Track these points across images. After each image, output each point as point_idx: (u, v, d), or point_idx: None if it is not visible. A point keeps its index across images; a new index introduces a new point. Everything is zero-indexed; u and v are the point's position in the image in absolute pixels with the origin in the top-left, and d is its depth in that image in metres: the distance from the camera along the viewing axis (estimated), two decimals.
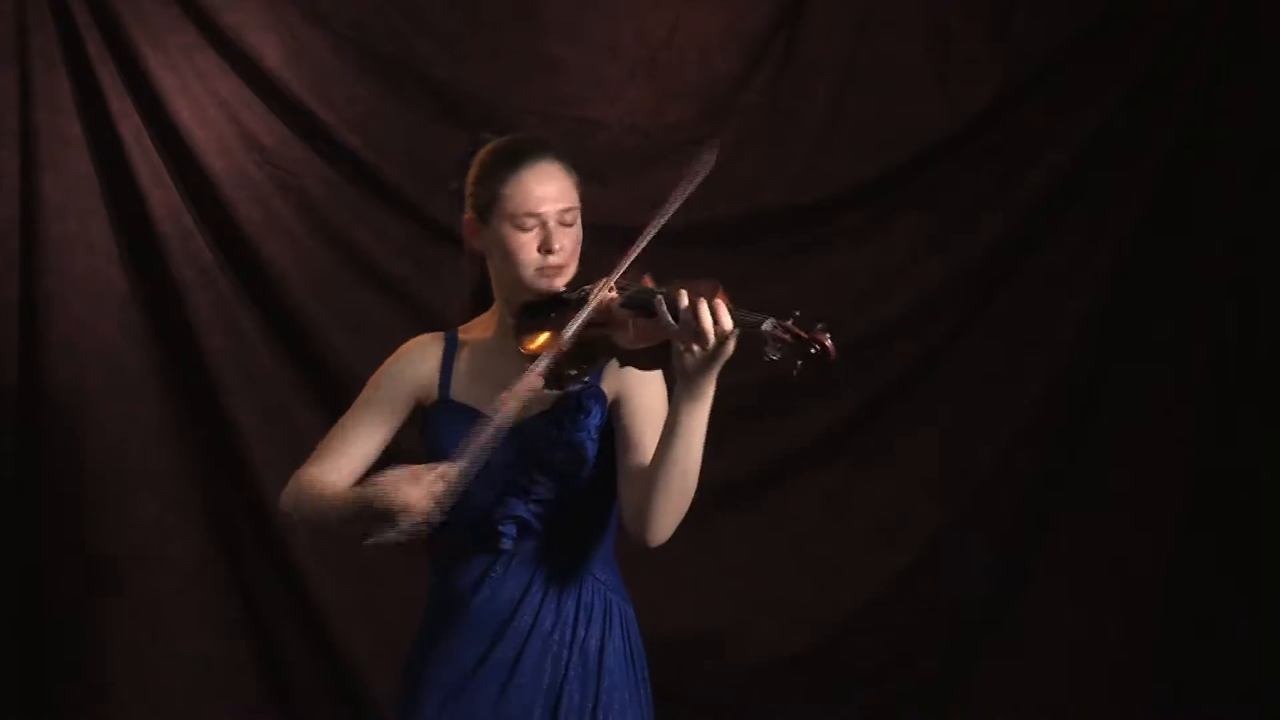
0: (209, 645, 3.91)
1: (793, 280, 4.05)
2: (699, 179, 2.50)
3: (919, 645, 4.07)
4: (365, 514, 2.43)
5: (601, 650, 2.53)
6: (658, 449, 2.38)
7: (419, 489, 2.36)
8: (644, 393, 2.51)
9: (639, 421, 2.50)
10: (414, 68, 3.96)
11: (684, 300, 2.27)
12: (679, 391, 2.32)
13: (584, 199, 2.59)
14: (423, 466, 2.40)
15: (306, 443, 3.86)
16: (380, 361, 2.68)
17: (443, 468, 2.37)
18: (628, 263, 2.45)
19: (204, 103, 3.86)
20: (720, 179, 3.97)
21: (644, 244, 2.44)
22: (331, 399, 3.69)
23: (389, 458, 2.57)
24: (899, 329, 4.05)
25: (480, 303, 2.66)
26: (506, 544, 2.50)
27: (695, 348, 2.26)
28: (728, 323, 2.24)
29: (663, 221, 2.46)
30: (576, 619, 2.52)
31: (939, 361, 4.07)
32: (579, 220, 2.56)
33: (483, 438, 2.36)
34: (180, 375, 3.91)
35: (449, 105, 3.95)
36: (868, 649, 4.06)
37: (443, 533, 2.48)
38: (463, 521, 2.48)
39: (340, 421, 2.66)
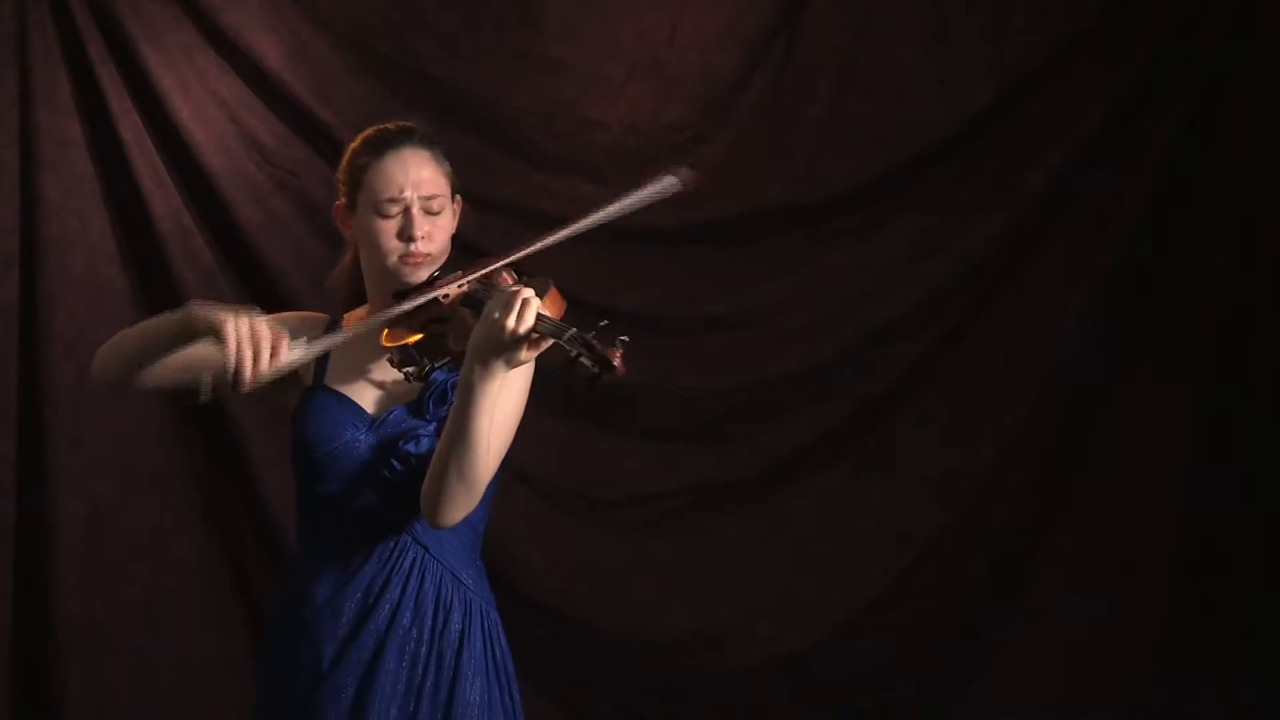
0: (209, 645, 3.91)
1: (793, 280, 4.05)
2: (648, 199, 2.43)
3: (919, 645, 4.07)
4: (185, 330, 2.32)
5: (459, 652, 2.47)
6: (443, 436, 2.33)
7: (249, 324, 2.25)
8: None
9: None
10: (414, 68, 3.96)
11: (502, 295, 2.24)
12: (465, 381, 2.27)
13: (457, 187, 2.55)
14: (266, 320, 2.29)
15: None
16: None
17: (278, 334, 2.27)
18: (499, 264, 2.39)
19: (204, 103, 3.86)
20: (720, 179, 4.02)
21: (536, 248, 2.39)
22: None
23: None
24: (899, 329, 4.05)
25: (356, 293, 2.60)
26: (364, 534, 2.45)
27: (496, 330, 2.22)
28: (527, 323, 2.21)
29: (577, 229, 2.40)
30: (435, 617, 2.46)
31: (939, 361, 4.07)
32: (449, 209, 2.52)
33: (323, 343, 2.32)
34: None
35: (449, 105, 3.95)
36: (868, 649, 4.06)
37: (309, 520, 2.46)
38: (327, 508, 2.45)
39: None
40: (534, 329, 2.22)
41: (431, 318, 2.39)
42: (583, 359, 2.17)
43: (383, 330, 2.42)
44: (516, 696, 2.53)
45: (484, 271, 2.39)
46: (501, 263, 2.40)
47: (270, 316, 2.45)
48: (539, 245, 2.38)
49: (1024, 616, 4.07)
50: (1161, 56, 3.99)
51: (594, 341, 2.17)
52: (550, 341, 2.22)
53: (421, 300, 2.37)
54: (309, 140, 3.93)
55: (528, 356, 2.24)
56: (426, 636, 2.46)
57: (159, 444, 3.89)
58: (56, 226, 3.81)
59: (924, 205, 4.07)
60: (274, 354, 2.24)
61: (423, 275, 2.48)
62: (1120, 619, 4.05)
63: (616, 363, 2.15)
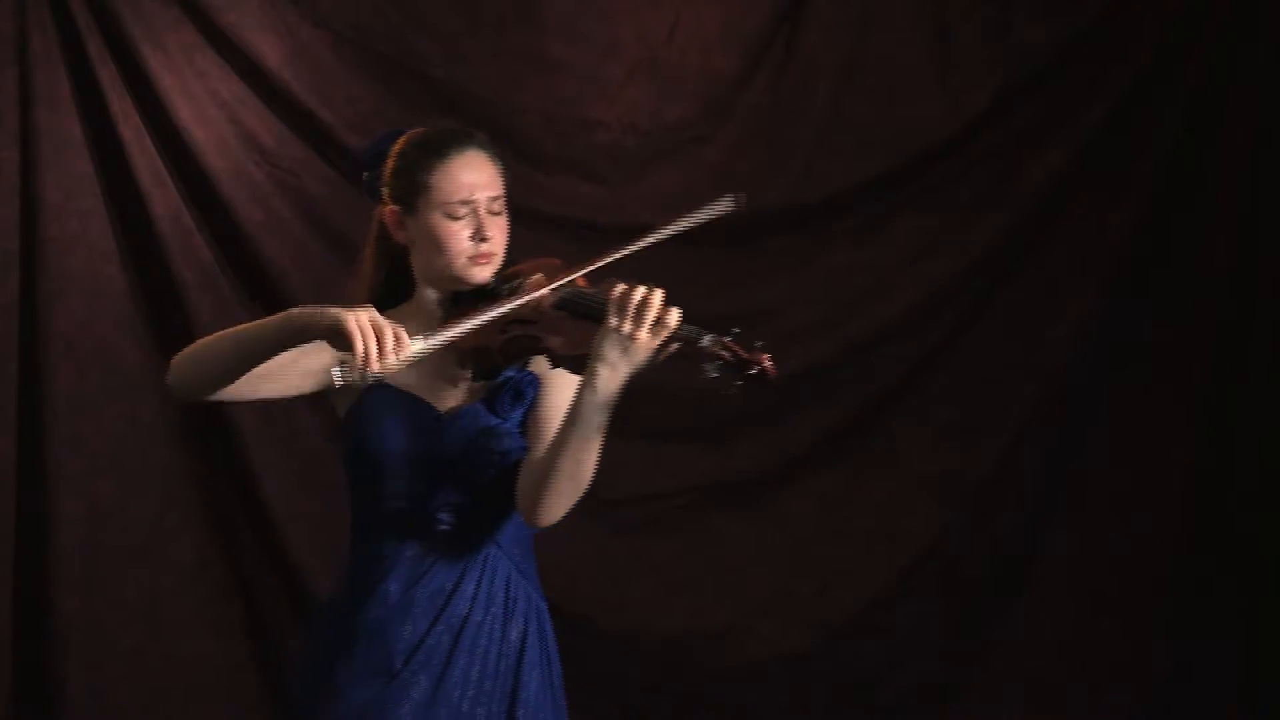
0: (208, 645, 3.91)
1: (793, 280, 4.06)
2: (703, 219, 2.46)
3: (919, 645, 4.07)
4: (290, 333, 2.31)
5: (522, 648, 2.50)
6: (555, 436, 2.35)
7: (369, 316, 2.25)
8: (562, 384, 2.46)
9: (554, 413, 2.45)
10: (414, 68, 3.96)
11: (637, 295, 2.25)
12: (588, 385, 2.28)
13: (509, 188, 2.57)
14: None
15: (307, 443, 3.92)
16: None
17: (398, 327, 2.26)
18: (581, 272, 2.42)
19: (204, 103, 3.86)
20: (720, 179, 4.02)
21: (611, 260, 2.41)
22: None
23: None
24: (899, 329, 4.05)
25: (387, 295, 2.58)
26: (441, 532, 2.46)
27: (628, 341, 2.23)
28: (673, 321, 2.23)
29: (643, 245, 2.42)
30: (505, 613, 2.49)
31: (939, 361, 4.07)
32: (506, 210, 2.54)
33: (438, 338, 2.31)
34: None
35: (449, 105, 3.95)
36: (868, 649, 4.06)
37: (376, 518, 2.46)
38: (397, 508, 2.47)
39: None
40: (671, 336, 2.23)
41: (516, 319, 2.40)
42: (725, 364, 2.19)
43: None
44: (560, 688, 2.56)
45: (578, 275, 2.41)
46: (592, 267, 2.42)
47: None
48: (615, 256, 2.41)
49: (1024, 616, 4.08)
50: (1161, 56, 3.99)
51: (736, 346, 2.20)
52: (676, 346, 2.24)
53: (519, 303, 2.37)
54: (309, 140, 3.93)
55: (656, 360, 2.26)
56: (497, 631, 2.48)
57: (159, 444, 3.89)
58: (56, 226, 3.81)
59: (924, 205, 4.07)
60: (398, 345, 2.24)
61: (487, 275, 2.49)
62: (1120, 619, 4.05)
63: (767, 365, 2.19)
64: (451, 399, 2.49)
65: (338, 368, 2.23)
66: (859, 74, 4.05)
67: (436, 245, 2.48)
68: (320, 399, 2.55)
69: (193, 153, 3.85)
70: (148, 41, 3.81)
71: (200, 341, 2.45)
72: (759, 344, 2.22)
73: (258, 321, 2.36)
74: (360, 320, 2.23)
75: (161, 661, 3.87)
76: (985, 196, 4.06)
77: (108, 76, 3.80)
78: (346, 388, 2.42)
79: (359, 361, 2.21)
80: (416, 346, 2.27)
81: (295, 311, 2.31)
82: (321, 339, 2.30)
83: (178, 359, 2.46)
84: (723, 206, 2.47)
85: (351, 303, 2.51)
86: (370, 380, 2.26)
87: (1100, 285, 4.04)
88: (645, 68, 4.02)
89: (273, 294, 3.90)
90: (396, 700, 2.44)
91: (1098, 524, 4.06)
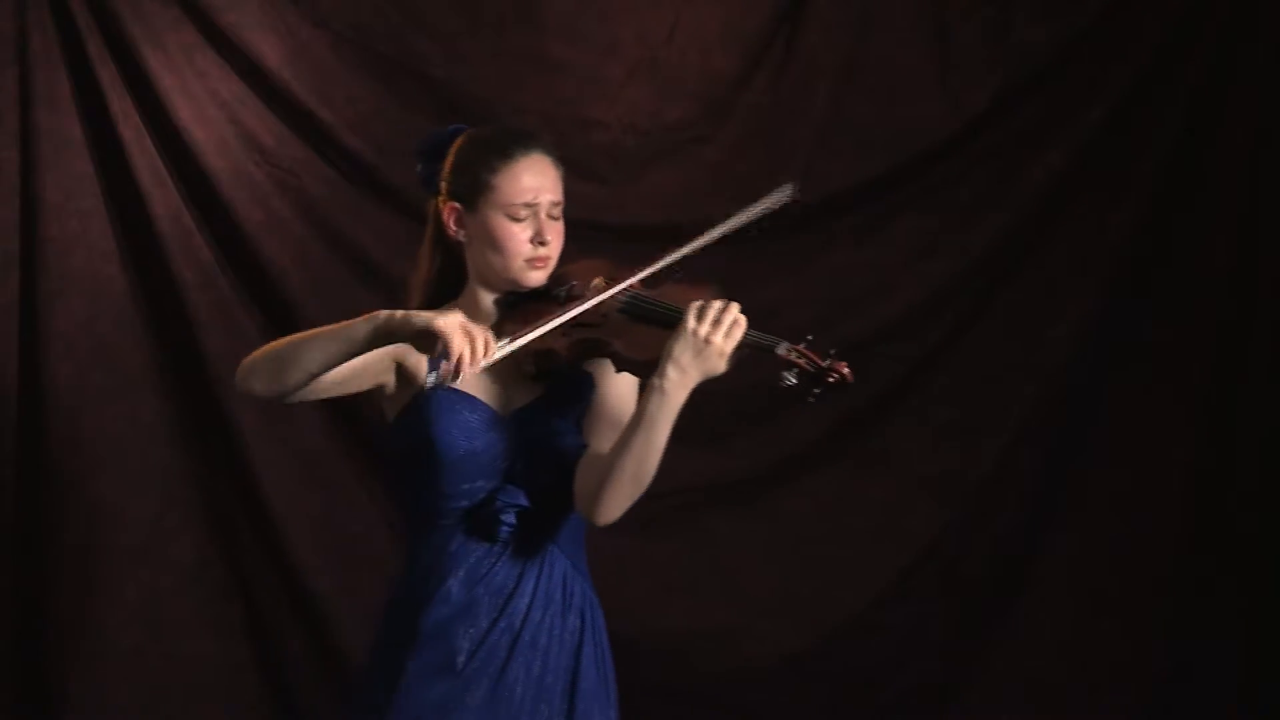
0: (208, 645, 3.91)
1: (793, 280, 4.05)
2: (762, 211, 2.49)
3: (919, 645, 4.07)
4: (379, 336, 2.32)
5: (580, 642, 2.53)
6: (620, 437, 2.38)
7: (460, 320, 2.27)
8: (619, 383, 2.51)
9: (612, 411, 2.49)
10: (414, 68, 3.96)
11: (715, 302, 2.29)
12: (655, 388, 2.32)
13: (566, 192, 2.58)
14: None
15: (306, 443, 3.92)
16: None
17: (485, 329, 2.29)
18: (644, 274, 2.45)
19: (204, 103, 3.86)
20: (720, 179, 4.02)
21: (670, 260, 2.45)
22: (331, 399, 3.68)
23: None
24: (899, 329, 4.05)
25: (437, 291, 2.61)
26: (504, 533, 2.49)
27: (702, 347, 2.29)
28: (736, 338, 2.29)
29: (700, 244, 2.47)
30: (563, 609, 2.52)
31: (939, 361, 4.07)
32: (561, 214, 2.55)
33: (520, 340, 2.33)
34: (180, 375, 3.91)
35: (449, 105, 3.95)
36: (868, 649, 4.06)
37: (437, 521, 2.47)
38: (459, 507, 2.47)
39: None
40: (743, 343, 2.28)
41: (581, 322, 2.42)
42: (803, 372, 2.25)
43: (506, 329, 2.44)
44: (613, 681, 2.59)
45: (640, 278, 2.44)
46: (651, 270, 2.45)
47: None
48: (678, 255, 2.45)
49: (1024, 616, 4.07)
50: (1161, 56, 3.99)
51: (811, 354, 2.26)
52: (748, 352, 2.28)
53: (588, 305, 2.40)
54: (309, 140, 3.93)
55: (727, 366, 2.30)
56: (556, 627, 2.50)
57: (159, 444, 3.89)
58: (56, 226, 3.81)
59: (924, 205, 4.07)
60: (487, 347, 2.27)
61: (542, 279, 2.50)
62: (1120, 619, 4.05)
63: (845, 373, 2.26)
64: (511, 399, 2.50)
65: (432, 374, 2.26)
66: (859, 74, 4.05)
67: (495, 245, 2.49)
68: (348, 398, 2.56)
69: (193, 153, 3.85)
70: (148, 41, 3.81)
71: (275, 344, 2.43)
72: (832, 351, 2.27)
73: (341, 325, 2.36)
74: (451, 324, 2.25)
75: (161, 661, 3.87)
76: (985, 196, 4.06)
77: (108, 76, 3.80)
78: (404, 388, 2.45)
79: (453, 365, 2.23)
80: (502, 348, 2.30)
81: (382, 315, 2.32)
82: (409, 342, 2.33)
83: (251, 361, 2.43)
84: (781, 196, 2.52)
85: (408, 293, 2.56)
86: (453, 385, 2.28)
87: (1100, 285, 4.04)
88: (645, 68, 4.02)
89: (273, 294, 3.90)
90: (459, 698, 2.45)
91: (1098, 524, 4.06)
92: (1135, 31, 4.00)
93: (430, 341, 2.27)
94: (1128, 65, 4.00)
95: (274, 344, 2.43)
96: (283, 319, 3.91)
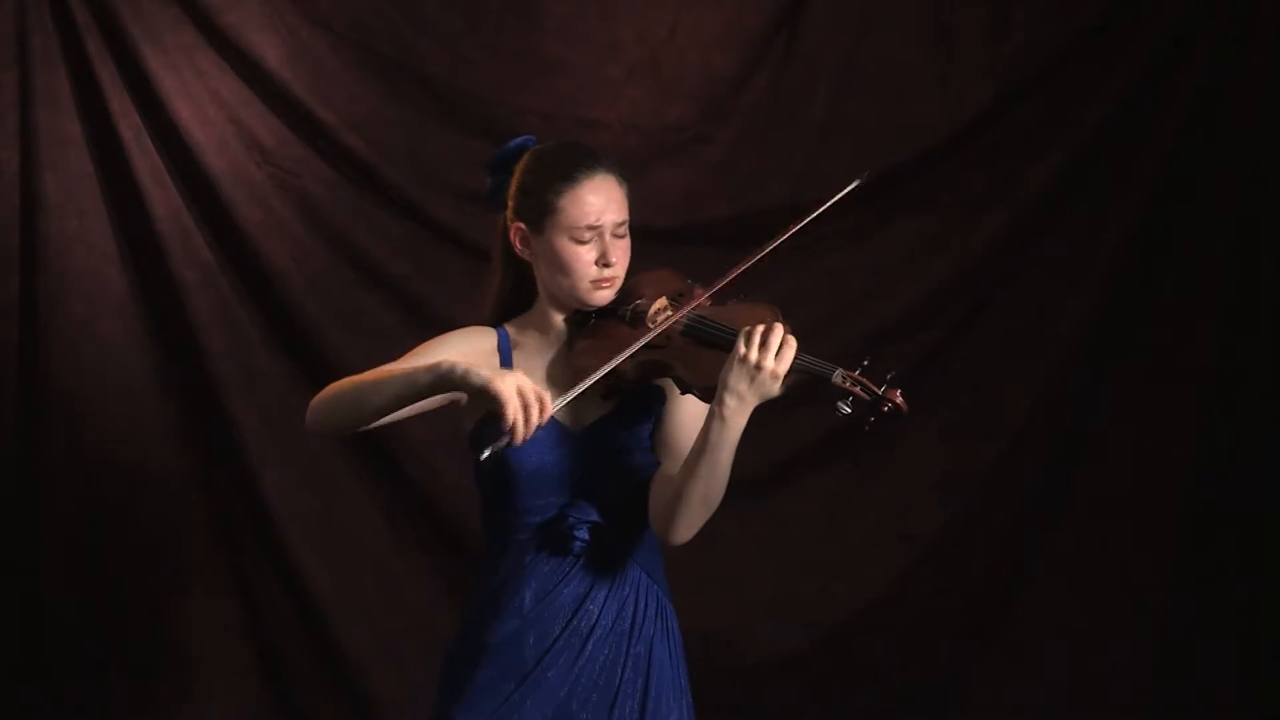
0: (208, 646, 3.91)
1: (793, 280, 4.05)
2: (834, 202, 2.55)
3: (919, 645, 4.07)
4: (443, 387, 2.35)
5: (651, 651, 2.55)
6: (685, 462, 2.41)
7: (518, 385, 2.28)
8: (689, 400, 2.52)
9: (681, 430, 2.52)
10: (414, 68, 3.96)
11: (762, 328, 2.33)
12: (714, 415, 2.35)
13: (632, 208, 2.59)
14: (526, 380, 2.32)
15: (306, 443, 3.91)
16: (381, 360, 2.65)
17: (541, 392, 2.31)
18: (707, 294, 2.48)
19: (204, 103, 3.86)
20: (720, 179, 4.02)
21: (732, 277, 2.48)
22: None
23: None
24: (899, 329, 4.05)
25: (511, 304, 2.63)
26: (578, 547, 2.50)
27: (753, 371, 2.32)
28: (787, 362, 2.33)
29: (772, 248, 2.52)
30: (633, 620, 2.54)
31: (939, 362, 4.07)
32: (629, 233, 2.56)
33: (577, 390, 2.35)
34: (180, 375, 3.91)
35: (449, 105, 3.95)
36: (868, 649, 4.06)
37: (508, 536, 2.48)
38: (532, 521, 2.49)
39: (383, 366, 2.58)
40: (795, 367, 2.32)
41: (648, 344, 2.44)
42: (858, 400, 2.28)
43: (577, 348, 2.49)
44: (687, 688, 2.61)
45: (700, 302, 2.47)
46: (711, 291, 2.49)
47: (444, 337, 2.53)
48: (742, 268, 2.49)
49: (1024, 616, 4.07)
50: (1161, 56, 3.99)
51: (866, 381, 2.28)
52: (802, 377, 2.32)
53: (656, 333, 2.43)
54: (309, 140, 3.93)
55: (780, 389, 2.34)
56: (626, 635, 2.52)
57: (159, 444, 3.89)
58: (56, 226, 3.81)
59: (924, 205, 4.07)
60: (543, 409, 2.29)
61: (609, 298, 2.53)
62: (1120, 619, 4.05)
63: (899, 401, 2.28)
64: (582, 414, 2.51)
65: (488, 450, 2.26)
66: (859, 74, 4.04)
67: (561, 267, 2.51)
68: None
69: (193, 153, 3.85)
70: (148, 41, 3.81)
71: (340, 386, 2.46)
72: (890, 375, 2.28)
73: (406, 370, 2.39)
74: (509, 389, 2.26)
75: (161, 662, 3.87)
76: (985, 196, 4.06)
77: (108, 76, 3.80)
78: (475, 404, 2.47)
79: (505, 437, 2.26)
80: (558, 404, 2.33)
81: (446, 366, 2.33)
82: (470, 396, 2.38)
83: (319, 403, 2.47)
84: (853, 184, 2.58)
85: (480, 308, 2.60)
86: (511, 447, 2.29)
87: (1100, 285, 4.04)
88: (645, 68, 4.02)
89: (273, 294, 3.90)
90: (527, 697, 2.46)
91: (1098, 524, 4.06)
92: (1135, 31, 3.99)
93: (489, 402, 2.29)
94: (1128, 65, 4.00)
95: (338, 386, 2.46)
96: (283, 319, 3.91)
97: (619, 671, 2.51)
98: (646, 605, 2.56)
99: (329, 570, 3.91)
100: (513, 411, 2.25)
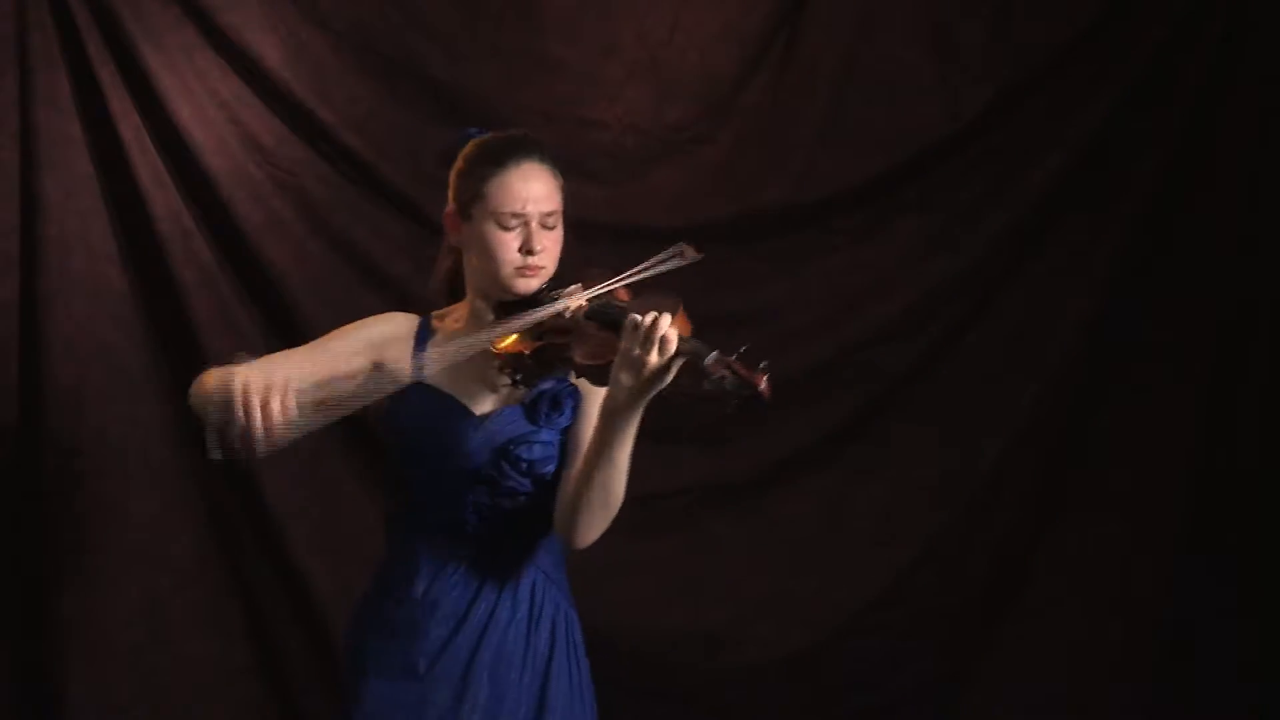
0: (209, 646, 3.91)
1: (793, 280, 4.06)
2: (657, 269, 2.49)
3: (919, 645, 4.07)
4: (218, 399, 2.37)
5: (551, 653, 2.54)
6: (584, 457, 2.40)
7: (243, 381, 2.29)
8: (599, 402, 2.50)
9: (588, 431, 2.49)
10: (414, 68, 3.96)
11: (647, 317, 2.28)
12: (608, 410, 2.33)
13: (567, 202, 2.58)
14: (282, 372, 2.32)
15: (306, 443, 3.89)
16: None
17: (279, 385, 2.30)
18: (610, 284, 2.45)
19: (204, 103, 3.86)
20: (720, 179, 4.02)
21: (633, 277, 2.45)
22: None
23: None
24: (899, 329, 4.05)
25: (453, 292, 2.65)
26: (469, 530, 2.48)
27: (639, 364, 2.28)
28: (669, 352, 2.28)
29: (659, 268, 2.46)
30: (530, 618, 2.53)
31: (939, 361, 4.07)
32: (561, 224, 2.56)
33: (450, 355, 2.35)
34: (180, 376, 3.90)
35: (449, 105, 3.95)
36: (867, 649, 4.06)
37: (406, 514, 2.48)
38: (425, 506, 2.48)
39: (284, 351, 2.60)
40: (676, 354, 2.29)
41: (551, 329, 2.42)
42: (726, 382, 2.25)
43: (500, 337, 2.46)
44: (591, 696, 2.62)
45: (606, 288, 2.45)
46: (623, 280, 2.46)
47: (359, 323, 2.55)
48: (637, 272, 2.45)
49: (1024, 616, 4.08)
50: (1161, 56, 3.99)
51: (737, 365, 2.24)
52: (683, 361, 2.29)
53: (547, 313, 2.41)
54: (309, 140, 3.93)
55: (669, 379, 2.31)
56: (522, 636, 2.52)
57: (159, 444, 3.89)
58: (56, 226, 3.80)
59: (924, 205, 4.07)
60: (284, 405, 2.31)
61: (534, 287, 2.52)
62: (1120, 619, 4.05)
63: (762, 387, 2.24)
64: (489, 403, 2.51)
65: (218, 452, 2.27)
66: (859, 74, 4.05)
67: (484, 252, 2.52)
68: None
69: (192, 153, 3.85)
70: (148, 41, 3.81)
71: (206, 384, 2.52)
72: (764, 364, 2.25)
73: (214, 389, 2.45)
74: (235, 388, 2.28)
75: (161, 661, 3.87)
76: (985, 196, 4.06)
77: (108, 76, 3.80)
78: (391, 380, 2.47)
79: (239, 432, 2.28)
80: (436, 365, 2.33)
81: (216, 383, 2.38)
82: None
83: (200, 391, 2.54)
84: (679, 259, 2.49)
85: (431, 289, 2.61)
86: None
87: (1100, 285, 4.04)
88: (645, 68, 4.02)
89: (273, 294, 3.90)
90: (420, 703, 2.45)
91: (1098, 524, 4.06)
92: (1135, 31, 4.00)
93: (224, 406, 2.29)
94: (1128, 65, 4.00)
95: (200, 380, 2.53)
96: (283, 319, 3.91)
97: (515, 674, 2.51)
98: (543, 608, 2.55)
99: (329, 570, 3.91)
100: (239, 411, 2.26)
